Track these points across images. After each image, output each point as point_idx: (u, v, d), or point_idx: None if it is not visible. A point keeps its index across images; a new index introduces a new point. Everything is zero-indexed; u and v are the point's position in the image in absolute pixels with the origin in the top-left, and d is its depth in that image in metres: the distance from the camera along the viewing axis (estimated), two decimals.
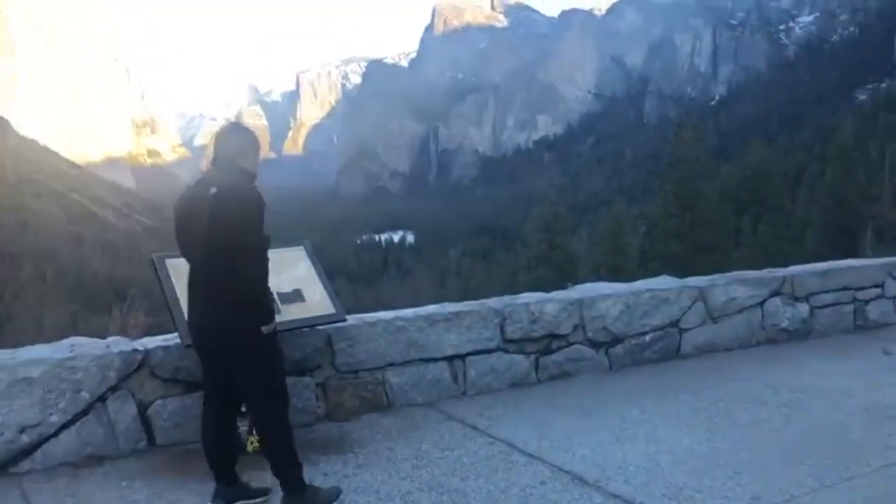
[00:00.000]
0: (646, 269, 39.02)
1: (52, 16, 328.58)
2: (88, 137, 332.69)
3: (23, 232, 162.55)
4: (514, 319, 5.03)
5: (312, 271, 4.36)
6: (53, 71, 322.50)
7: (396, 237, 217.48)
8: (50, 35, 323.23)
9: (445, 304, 5.05)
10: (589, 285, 5.95)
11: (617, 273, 38.77)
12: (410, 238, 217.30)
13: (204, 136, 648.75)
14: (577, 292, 5.55)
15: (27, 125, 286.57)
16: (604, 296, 5.46)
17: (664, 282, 6.05)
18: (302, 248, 4.47)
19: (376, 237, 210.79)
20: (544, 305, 5.15)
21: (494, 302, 5.15)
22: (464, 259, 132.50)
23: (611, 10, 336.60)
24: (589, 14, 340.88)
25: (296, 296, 4.14)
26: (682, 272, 29.86)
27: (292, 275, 4.22)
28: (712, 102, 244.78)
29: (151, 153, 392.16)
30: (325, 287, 4.29)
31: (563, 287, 5.94)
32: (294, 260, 4.36)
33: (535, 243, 41.20)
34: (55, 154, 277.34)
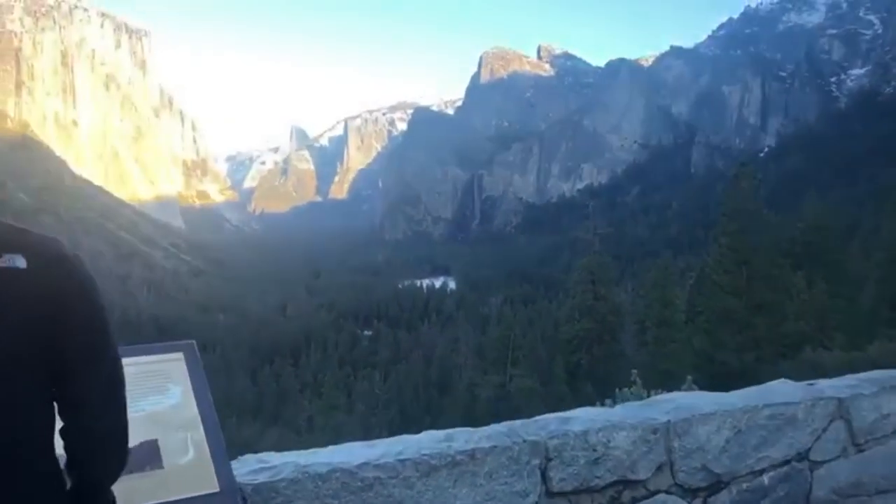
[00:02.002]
0: (693, 323, 36.95)
1: (111, 61, 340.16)
2: (141, 178, 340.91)
3: None
4: (563, 460, 3.11)
5: (191, 402, 2.32)
6: (111, 113, 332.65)
7: (438, 283, 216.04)
8: (109, 79, 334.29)
9: (453, 432, 3.11)
10: (678, 397, 4.00)
11: (664, 326, 36.70)
12: (452, 284, 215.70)
13: (253, 179, 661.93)
14: (660, 409, 3.62)
15: (84, 165, 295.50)
16: (703, 416, 3.53)
17: (784, 389, 4.11)
18: (181, 354, 2.41)
19: (417, 282, 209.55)
20: (612, 434, 3.24)
21: (531, 429, 3.20)
22: (505, 307, 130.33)
23: (658, 60, 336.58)
24: (636, 64, 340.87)
25: (147, 455, 2.13)
26: (737, 330, 27.48)
27: (149, 411, 2.23)
28: (761, 154, 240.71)
29: (201, 195, 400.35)
30: (209, 433, 2.28)
31: (629, 391, 3.99)
32: (160, 379, 2.35)
33: (579, 293, 39.71)
34: (108, 194, 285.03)
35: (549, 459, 3.12)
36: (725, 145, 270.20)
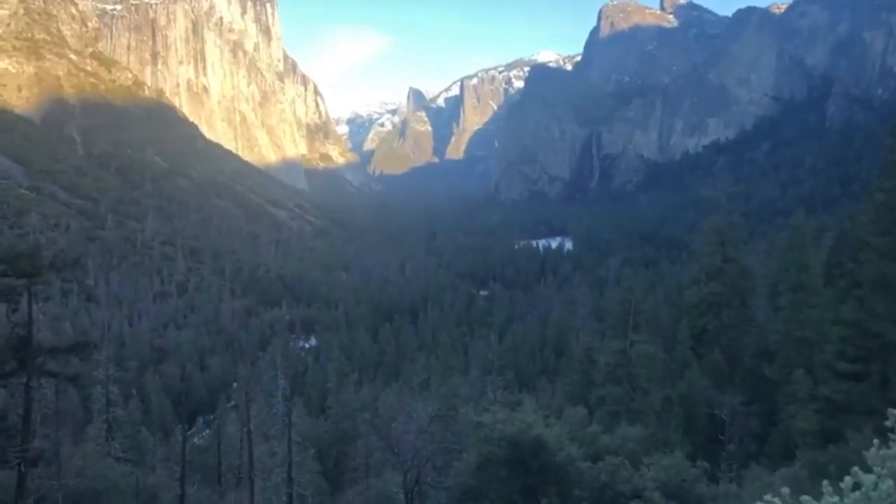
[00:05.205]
0: (833, 288, 34.33)
1: (238, 28, 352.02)
2: (267, 141, 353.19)
3: (205, 229, 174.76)
4: None
5: None
6: (238, 80, 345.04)
7: (554, 243, 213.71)
8: (236, 46, 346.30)
9: None
10: None
11: (800, 291, 34.32)
12: (569, 244, 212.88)
13: (372, 142, 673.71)
14: None
15: (215, 130, 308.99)
16: None
17: None
18: None
19: (534, 243, 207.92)
20: None
21: None
22: (625, 268, 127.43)
23: (791, 7, 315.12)
24: (766, 12, 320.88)
25: None
26: (894, 299, 25.14)
27: None
28: None
29: (323, 157, 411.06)
30: None
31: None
32: None
33: (706, 255, 37.59)
34: (237, 157, 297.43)
35: None
36: (866, 97, 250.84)
